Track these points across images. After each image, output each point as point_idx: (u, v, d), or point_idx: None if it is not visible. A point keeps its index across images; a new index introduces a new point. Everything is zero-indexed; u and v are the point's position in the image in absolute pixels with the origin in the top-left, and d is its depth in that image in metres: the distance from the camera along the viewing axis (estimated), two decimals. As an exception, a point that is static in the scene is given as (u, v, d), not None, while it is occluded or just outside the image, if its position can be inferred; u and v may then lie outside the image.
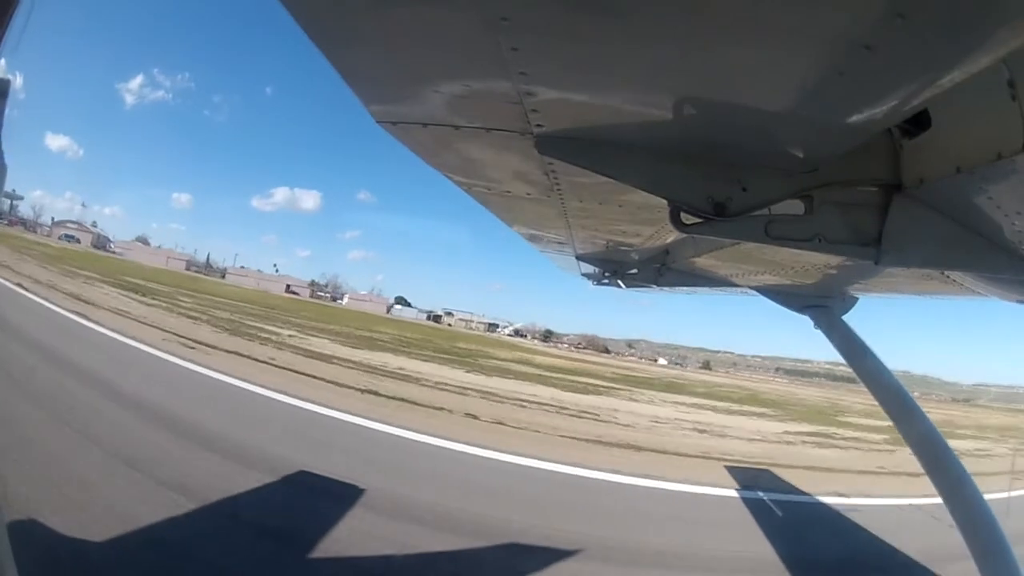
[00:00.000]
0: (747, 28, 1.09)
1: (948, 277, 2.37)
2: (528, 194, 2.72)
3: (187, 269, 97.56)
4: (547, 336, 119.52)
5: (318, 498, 8.31)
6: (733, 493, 12.33)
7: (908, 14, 0.93)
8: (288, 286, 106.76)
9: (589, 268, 5.96)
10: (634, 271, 4.97)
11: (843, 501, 12.96)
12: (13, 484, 6.21)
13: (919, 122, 1.57)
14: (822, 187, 1.80)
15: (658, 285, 4.82)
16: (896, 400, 3.75)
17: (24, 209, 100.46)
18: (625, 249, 4.20)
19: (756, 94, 1.39)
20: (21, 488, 6.20)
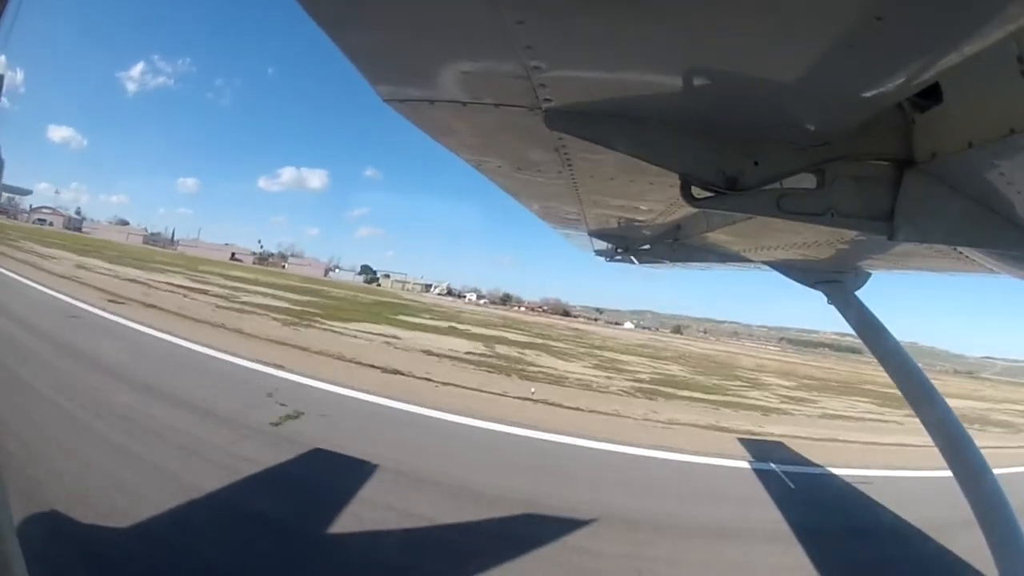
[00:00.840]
0: (758, 0, 1.08)
1: (961, 253, 2.34)
2: (539, 170, 2.70)
3: (144, 243, 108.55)
4: (505, 299, 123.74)
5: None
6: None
7: None
8: (233, 254, 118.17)
9: (602, 245, 5.94)
10: (647, 247, 4.95)
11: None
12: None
13: (930, 96, 1.54)
14: (834, 161, 1.78)
15: (671, 260, 4.82)
16: (908, 376, 3.73)
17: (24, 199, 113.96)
18: (637, 225, 4.19)
19: (767, 67, 1.38)
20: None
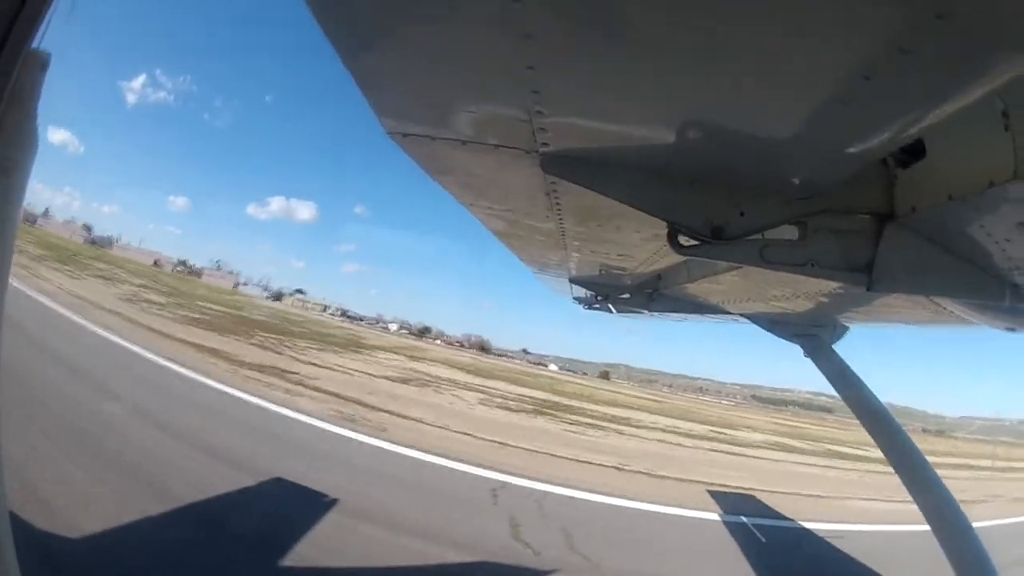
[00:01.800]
0: (752, 58, 1.14)
1: (939, 305, 2.41)
2: (528, 213, 2.75)
3: (84, 242, 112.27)
4: (423, 332, 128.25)
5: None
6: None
7: (909, 48, 0.98)
8: (156, 260, 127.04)
9: (581, 292, 6.00)
10: (626, 295, 5.01)
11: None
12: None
13: (914, 151, 1.62)
14: (817, 214, 1.85)
15: (649, 310, 4.86)
16: (885, 430, 3.74)
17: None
18: (618, 273, 4.25)
19: (758, 121, 1.45)
20: None
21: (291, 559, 6.44)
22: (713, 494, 14.38)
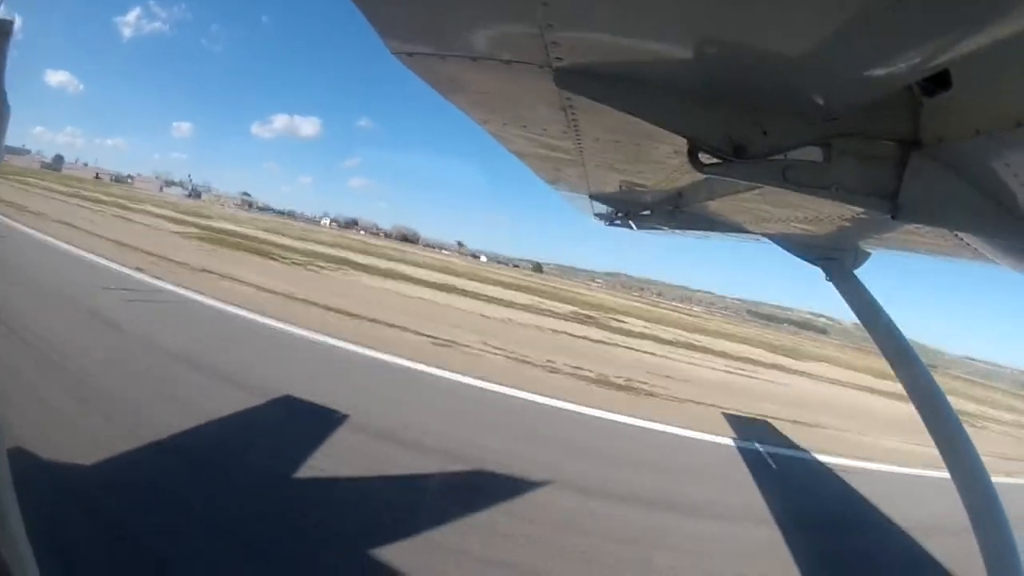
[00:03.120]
0: None
1: (961, 240, 2.34)
2: (544, 130, 2.69)
3: (42, 167, 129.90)
4: (352, 223, 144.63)
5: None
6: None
7: None
8: (96, 174, 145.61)
9: (602, 208, 5.93)
10: (647, 212, 4.95)
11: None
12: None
13: (940, 81, 1.52)
14: (842, 136, 1.78)
15: (670, 227, 4.82)
16: (903, 358, 3.70)
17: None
18: (639, 190, 4.17)
19: (781, 38, 1.37)
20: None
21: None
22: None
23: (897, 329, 3.71)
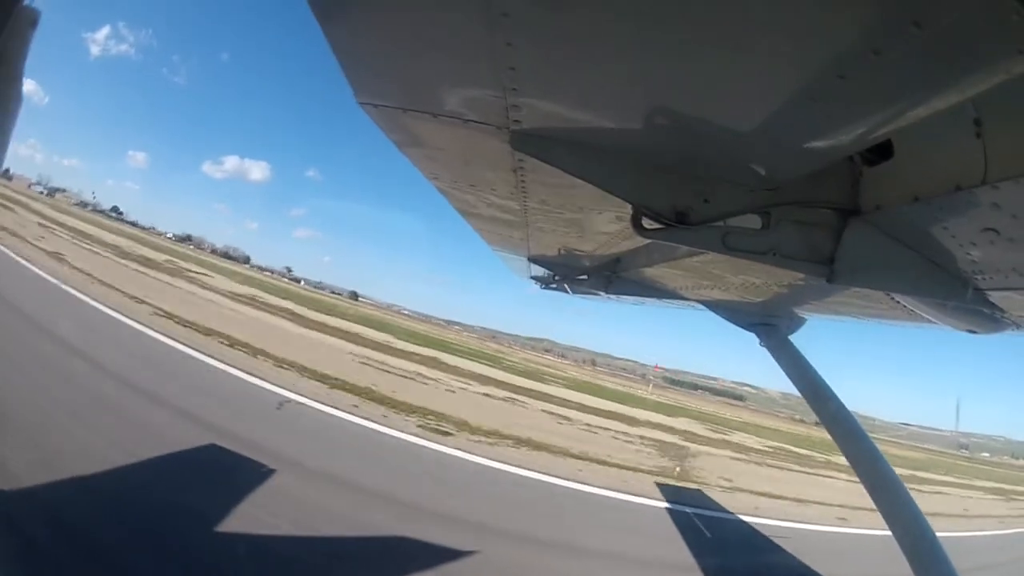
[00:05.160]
0: (727, 50, 1.14)
1: (898, 303, 2.44)
2: (493, 189, 2.71)
3: None
4: (184, 239, 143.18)
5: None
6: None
7: (884, 51, 0.98)
8: None
9: (539, 271, 5.98)
10: (584, 277, 5.01)
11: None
12: None
13: (881, 151, 1.63)
14: (781, 205, 1.87)
15: (606, 292, 4.88)
16: (839, 421, 3.72)
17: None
18: (578, 254, 4.23)
19: (728, 111, 1.44)
20: None
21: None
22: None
23: (833, 392, 3.75)
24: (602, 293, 5.01)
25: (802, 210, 1.87)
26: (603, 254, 3.91)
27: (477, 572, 7.29)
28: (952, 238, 1.61)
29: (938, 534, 3.42)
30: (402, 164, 2.49)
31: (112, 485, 6.67)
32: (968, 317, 2.13)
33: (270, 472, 8.25)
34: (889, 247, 1.80)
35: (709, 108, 1.46)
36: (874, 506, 3.49)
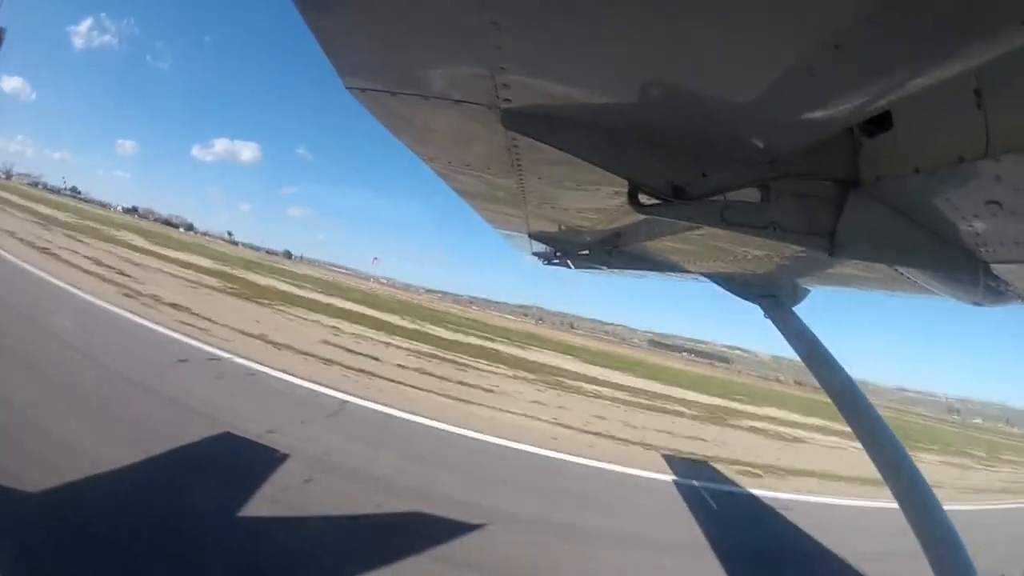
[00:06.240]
0: (721, 20, 1.09)
1: (900, 273, 2.41)
2: (488, 169, 2.68)
3: None
4: (130, 210, 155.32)
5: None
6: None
7: (882, 19, 0.94)
8: None
9: (541, 247, 5.96)
10: (585, 252, 4.99)
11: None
12: None
13: (881, 122, 1.59)
14: (780, 178, 1.83)
15: (608, 267, 4.86)
16: (843, 391, 3.72)
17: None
18: (578, 230, 4.20)
19: (724, 84, 1.40)
20: None
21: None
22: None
23: (837, 362, 3.74)
24: (604, 267, 4.99)
25: (802, 183, 1.84)
26: (603, 229, 3.88)
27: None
28: (955, 210, 1.57)
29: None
30: (390, 142, 2.45)
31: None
32: (973, 289, 2.10)
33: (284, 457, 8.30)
34: (890, 220, 1.77)
35: (704, 81, 1.41)
36: (879, 476, 3.50)
